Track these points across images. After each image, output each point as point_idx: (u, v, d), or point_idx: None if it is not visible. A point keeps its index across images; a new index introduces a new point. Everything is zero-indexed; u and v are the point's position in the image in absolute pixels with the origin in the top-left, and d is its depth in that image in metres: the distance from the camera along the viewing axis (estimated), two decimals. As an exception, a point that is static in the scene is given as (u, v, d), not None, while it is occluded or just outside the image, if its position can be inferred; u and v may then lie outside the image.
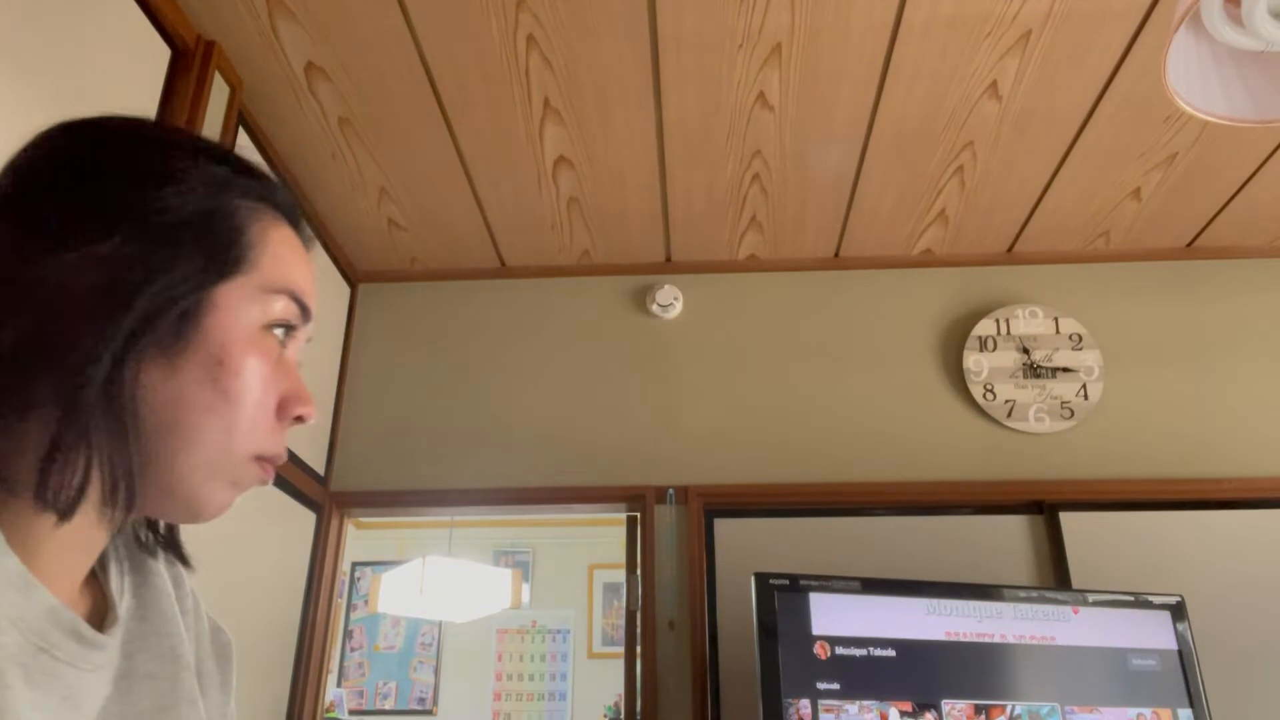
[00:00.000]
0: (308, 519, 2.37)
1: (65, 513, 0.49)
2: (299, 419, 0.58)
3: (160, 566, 0.63)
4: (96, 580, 0.58)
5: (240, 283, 0.54)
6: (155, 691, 0.56)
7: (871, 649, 1.93)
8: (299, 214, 0.62)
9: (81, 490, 0.49)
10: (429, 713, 4.96)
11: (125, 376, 0.50)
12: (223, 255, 0.54)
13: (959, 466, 2.43)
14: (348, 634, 5.16)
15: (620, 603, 5.08)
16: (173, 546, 0.63)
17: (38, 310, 0.49)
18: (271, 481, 0.58)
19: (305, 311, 0.59)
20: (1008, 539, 2.35)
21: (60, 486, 0.48)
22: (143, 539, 0.62)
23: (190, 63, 1.80)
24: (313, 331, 0.62)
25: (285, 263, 0.57)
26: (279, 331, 0.57)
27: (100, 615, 0.56)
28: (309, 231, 0.63)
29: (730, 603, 2.29)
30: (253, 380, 0.54)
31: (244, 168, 0.59)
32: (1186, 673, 2.02)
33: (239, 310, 0.54)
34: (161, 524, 0.62)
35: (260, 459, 0.56)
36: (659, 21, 1.83)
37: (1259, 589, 2.25)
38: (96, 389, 0.48)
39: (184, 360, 0.52)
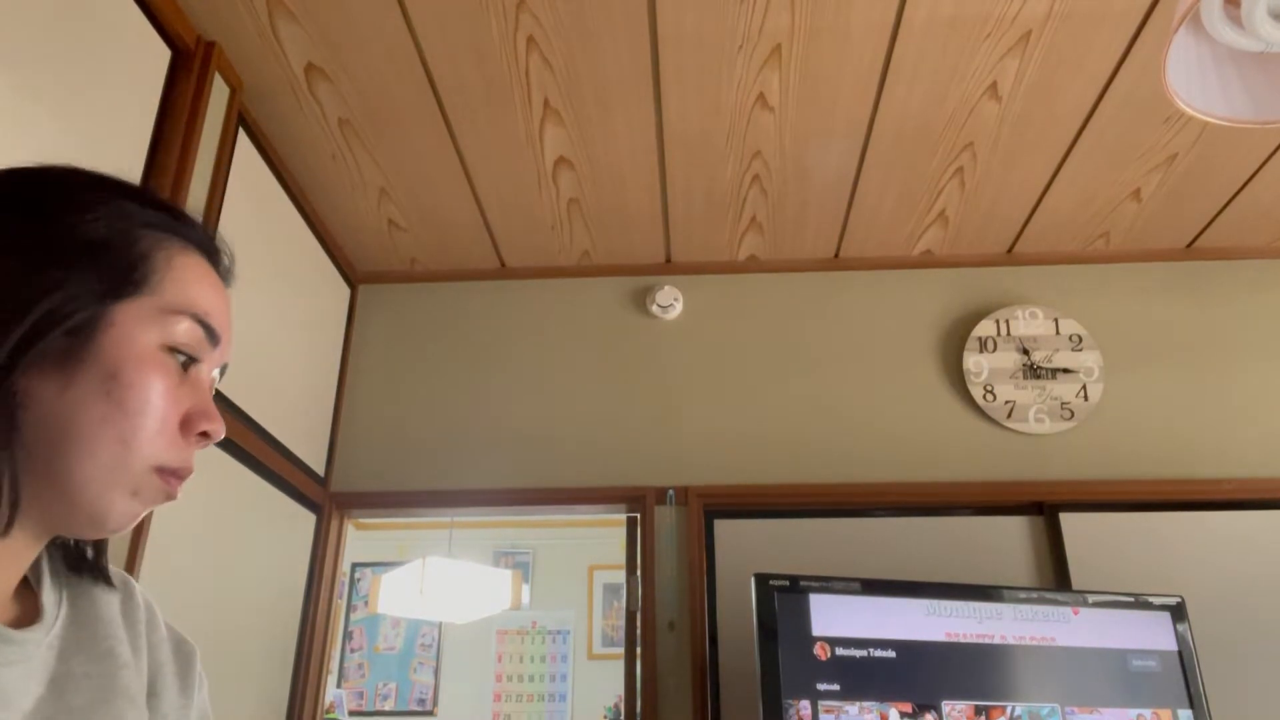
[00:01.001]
0: (308, 520, 2.37)
1: None
2: (204, 435, 0.61)
3: (102, 583, 0.66)
4: (33, 592, 0.61)
5: (140, 303, 0.58)
6: (90, 689, 0.59)
7: (871, 650, 1.93)
8: (218, 250, 0.66)
9: None
10: (429, 713, 4.96)
11: (14, 387, 0.53)
12: (120, 277, 0.57)
13: (959, 467, 2.43)
14: (348, 635, 5.16)
15: (620, 604, 5.08)
16: (97, 569, 0.66)
17: None
18: (177, 496, 0.60)
19: (212, 334, 0.62)
20: (1008, 540, 2.35)
21: None
22: (74, 561, 0.65)
23: (190, 63, 1.80)
24: (228, 357, 0.65)
25: (190, 287, 0.61)
26: (182, 353, 0.60)
27: (31, 622, 0.59)
28: (228, 265, 0.66)
29: (730, 604, 2.29)
30: (148, 394, 0.57)
31: (158, 204, 0.62)
32: (1186, 673, 2.01)
33: (136, 329, 0.57)
34: (87, 549, 0.65)
35: (162, 471, 0.58)
36: (659, 22, 1.83)
37: (1259, 589, 2.25)
38: None
39: (79, 374, 0.55)
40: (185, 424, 0.59)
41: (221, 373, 0.66)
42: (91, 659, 0.61)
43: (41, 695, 0.56)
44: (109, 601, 0.65)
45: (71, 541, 0.65)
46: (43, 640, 0.58)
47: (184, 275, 0.60)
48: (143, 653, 0.66)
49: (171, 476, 0.59)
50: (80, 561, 0.65)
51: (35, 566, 0.62)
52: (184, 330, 0.59)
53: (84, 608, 0.63)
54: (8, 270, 0.54)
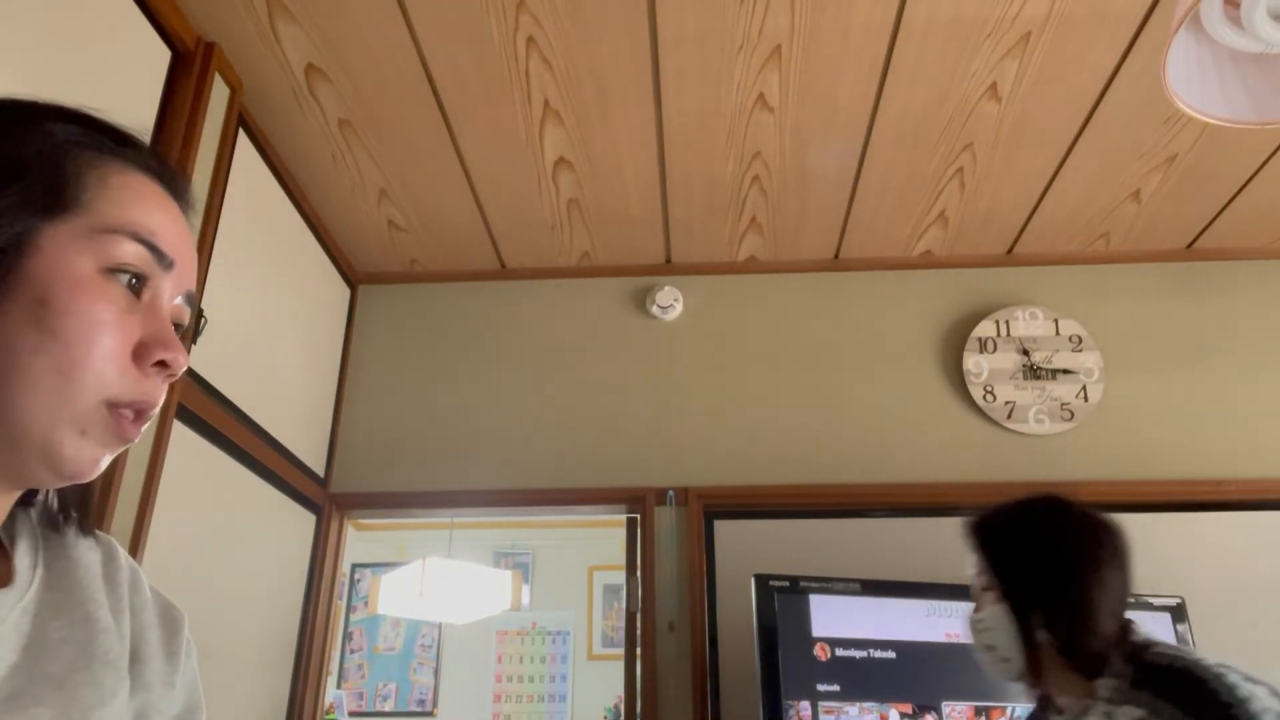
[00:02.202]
0: (307, 520, 2.37)
1: None
2: (162, 364, 0.56)
3: (84, 542, 0.63)
4: (6, 554, 0.58)
5: (70, 224, 0.54)
6: (67, 654, 0.56)
7: (871, 650, 1.93)
8: (170, 172, 0.61)
9: None
10: (429, 714, 4.95)
11: None
12: (44, 197, 0.53)
13: (959, 468, 2.43)
14: (347, 635, 5.16)
15: (620, 604, 5.07)
16: (79, 526, 0.62)
17: None
18: (135, 438, 0.56)
19: (160, 255, 0.57)
20: (1008, 540, 2.34)
21: None
22: (53, 517, 0.62)
23: (190, 64, 1.80)
24: (190, 283, 0.61)
25: (130, 206, 0.56)
26: (127, 275, 0.56)
27: (2, 586, 0.56)
28: (182, 188, 0.62)
29: (730, 604, 2.29)
30: (85, 321, 0.53)
31: (96, 125, 0.59)
32: (1187, 674, 2.01)
33: (67, 252, 0.53)
34: (70, 506, 0.62)
35: (114, 406, 0.54)
36: (659, 23, 1.83)
37: (1259, 590, 2.25)
38: None
39: (7, 303, 0.52)
40: (139, 353, 0.55)
41: (188, 302, 0.61)
42: (69, 623, 0.58)
43: (15, 662, 0.53)
44: (89, 563, 0.62)
45: (52, 500, 0.61)
46: (15, 605, 0.55)
47: (122, 195, 0.56)
48: (124, 616, 0.62)
49: (126, 412, 0.55)
50: (59, 518, 0.61)
51: (9, 527, 0.59)
52: (127, 252, 0.55)
53: (61, 570, 0.60)
54: None
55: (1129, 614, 1.25)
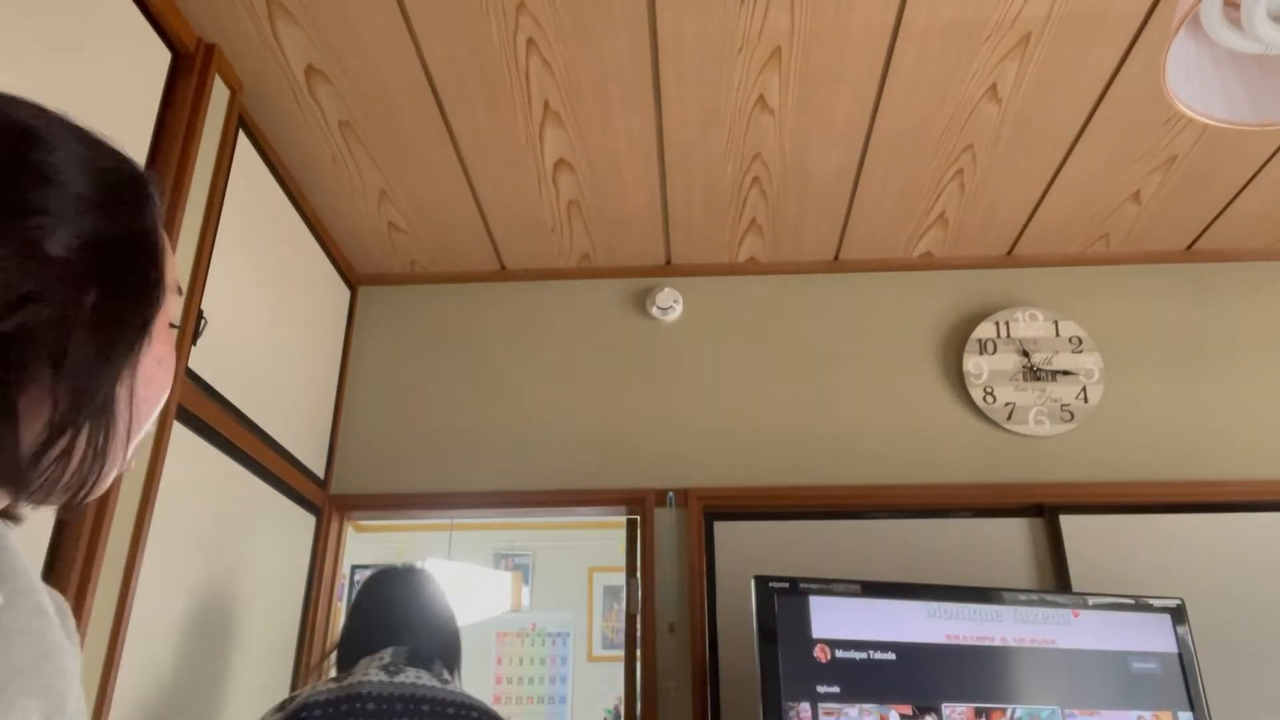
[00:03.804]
0: (307, 521, 2.36)
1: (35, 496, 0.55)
2: None
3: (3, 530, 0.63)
4: None
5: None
6: (29, 645, 0.57)
7: (872, 652, 1.92)
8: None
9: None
10: (429, 716, 4.95)
11: (118, 392, 0.58)
12: (162, 276, 0.62)
13: (959, 469, 2.43)
14: (347, 637, 5.15)
15: (620, 606, 5.07)
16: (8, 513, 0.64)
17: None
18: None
19: (179, 293, 0.66)
20: (1008, 542, 2.35)
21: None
22: None
23: (190, 66, 1.80)
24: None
25: (170, 261, 0.65)
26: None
27: None
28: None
29: (730, 606, 2.29)
30: (169, 367, 0.64)
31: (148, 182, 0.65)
32: (1187, 675, 2.01)
33: (166, 311, 0.63)
34: None
35: None
36: (659, 24, 1.83)
37: (1259, 591, 2.25)
38: (95, 403, 0.56)
39: (146, 355, 0.61)
40: None
41: None
42: (25, 615, 0.58)
43: None
44: (15, 549, 0.62)
45: None
46: None
47: (169, 253, 0.64)
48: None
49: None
50: None
51: None
52: (178, 304, 0.64)
53: (7, 563, 0.60)
54: (120, 288, 0.57)
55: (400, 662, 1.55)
